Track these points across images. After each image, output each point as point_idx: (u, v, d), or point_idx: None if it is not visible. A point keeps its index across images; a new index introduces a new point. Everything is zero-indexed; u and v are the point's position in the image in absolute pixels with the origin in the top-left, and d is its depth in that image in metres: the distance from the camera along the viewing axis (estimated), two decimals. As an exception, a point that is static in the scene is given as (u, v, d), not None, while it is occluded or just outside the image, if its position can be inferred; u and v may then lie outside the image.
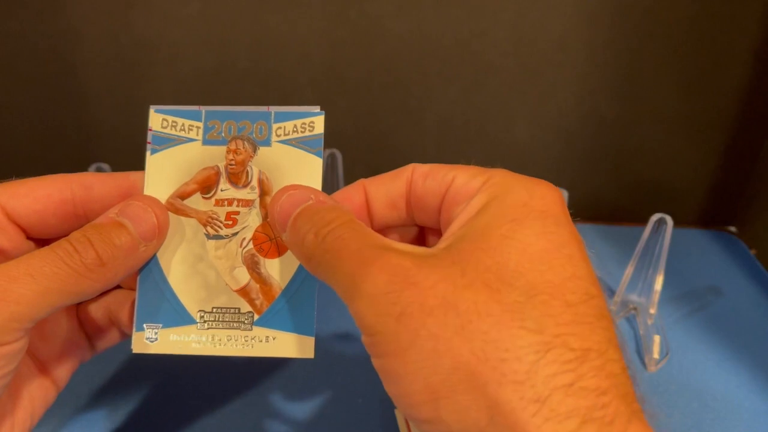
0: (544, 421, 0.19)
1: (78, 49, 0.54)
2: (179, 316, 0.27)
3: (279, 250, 0.28)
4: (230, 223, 0.28)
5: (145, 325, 0.27)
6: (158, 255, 0.27)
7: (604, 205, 0.61)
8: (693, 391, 0.43)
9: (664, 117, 0.56)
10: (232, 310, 0.27)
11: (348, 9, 0.52)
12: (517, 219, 0.22)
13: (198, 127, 0.29)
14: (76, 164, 0.53)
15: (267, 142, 0.29)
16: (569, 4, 0.51)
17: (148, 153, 0.29)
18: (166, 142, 0.29)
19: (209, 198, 0.28)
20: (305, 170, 0.29)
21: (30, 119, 0.58)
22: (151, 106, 0.29)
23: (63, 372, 0.29)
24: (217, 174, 0.28)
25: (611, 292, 0.51)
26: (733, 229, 0.62)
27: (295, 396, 0.39)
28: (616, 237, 0.58)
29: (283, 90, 0.56)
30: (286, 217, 0.26)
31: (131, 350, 0.27)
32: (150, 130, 0.29)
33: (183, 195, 0.28)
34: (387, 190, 0.28)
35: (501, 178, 0.25)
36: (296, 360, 0.41)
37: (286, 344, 0.27)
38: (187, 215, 0.28)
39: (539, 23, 0.52)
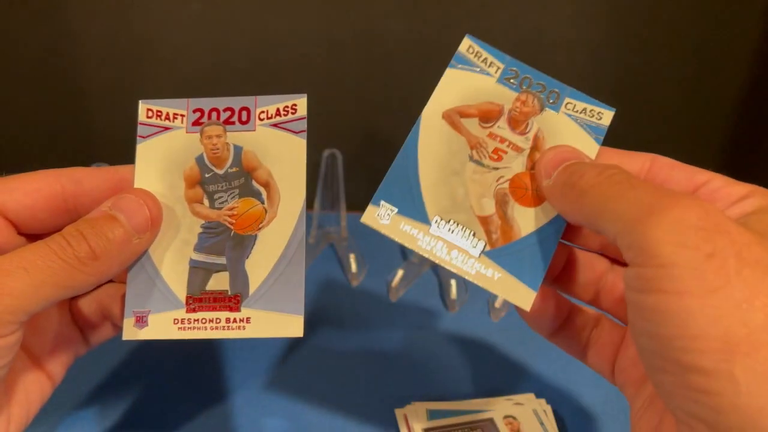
0: None
1: (78, 49, 0.54)
2: None
3: (532, 201, 0.28)
4: (495, 157, 0.28)
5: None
6: (419, 152, 0.29)
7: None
8: (693, 390, 0.43)
9: (664, 117, 0.57)
10: (469, 231, 0.27)
11: (347, 9, 0.52)
12: None
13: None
14: (76, 164, 0.53)
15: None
16: (569, 5, 0.51)
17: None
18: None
19: (486, 128, 0.29)
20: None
21: (30, 119, 0.58)
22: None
23: (58, 366, 0.29)
24: (500, 111, 0.29)
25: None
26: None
27: (296, 395, 0.39)
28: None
29: (283, 90, 0.56)
30: (561, 161, 0.26)
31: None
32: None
33: (463, 114, 0.29)
34: (623, 164, 0.27)
35: (764, 190, 0.24)
36: (296, 359, 0.41)
37: (507, 286, 0.26)
38: (459, 131, 0.28)
39: (539, 23, 0.52)
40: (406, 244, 0.26)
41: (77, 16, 0.52)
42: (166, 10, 0.52)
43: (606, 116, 0.30)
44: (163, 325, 0.27)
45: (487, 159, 0.28)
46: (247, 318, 0.27)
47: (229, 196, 0.29)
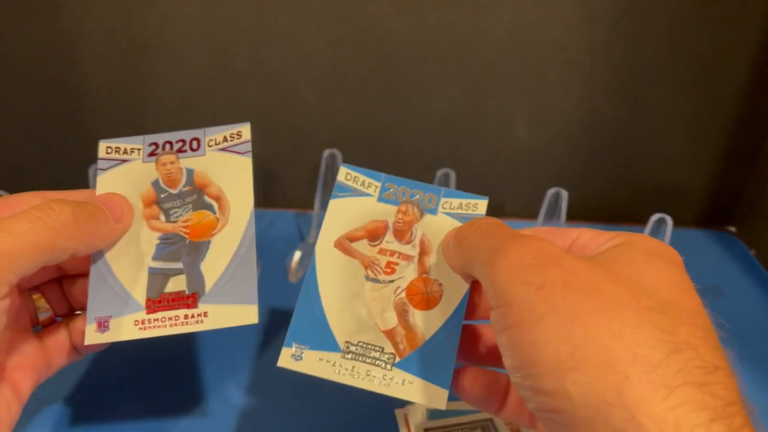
0: (672, 408, 0.19)
1: (78, 49, 0.54)
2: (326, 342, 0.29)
3: (429, 304, 0.30)
4: (389, 270, 0.31)
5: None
6: (319, 284, 0.30)
7: (604, 205, 0.61)
8: (693, 390, 0.43)
9: (664, 117, 0.57)
10: (377, 348, 0.29)
11: (348, 9, 0.52)
12: (651, 254, 0.24)
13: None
14: (76, 164, 0.53)
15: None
16: (569, 4, 0.51)
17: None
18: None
19: (375, 246, 0.31)
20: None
21: (30, 119, 0.58)
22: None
23: (26, 387, 0.30)
24: (386, 227, 0.32)
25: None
26: (732, 229, 0.62)
27: (296, 395, 0.39)
28: (616, 237, 0.58)
29: (283, 90, 0.56)
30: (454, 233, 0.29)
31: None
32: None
33: (352, 238, 0.31)
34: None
35: (628, 234, 0.26)
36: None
37: (420, 391, 0.28)
38: (352, 255, 0.31)
39: (539, 23, 0.52)
40: (325, 376, 0.28)
41: (77, 16, 0.52)
42: (166, 10, 0.52)
43: (481, 206, 0.33)
44: (125, 327, 0.30)
45: (381, 275, 0.31)
46: (204, 312, 0.30)
47: (183, 210, 0.33)
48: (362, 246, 0.31)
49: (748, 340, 0.47)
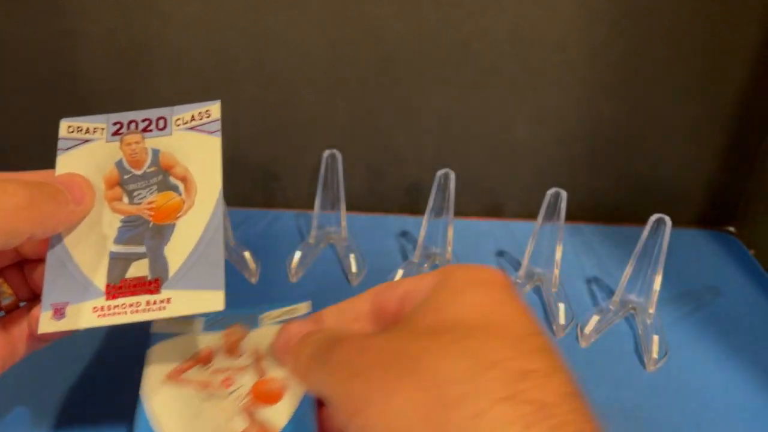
0: None
1: (78, 49, 0.54)
2: None
3: (276, 398, 0.31)
4: (226, 384, 0.32)
5: None
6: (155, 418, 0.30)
7: (603, 205, 0.61)
8: (692, 390, 0.43)
9: (663, 118, 0.57)
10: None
11: (348, 9, 0.52)
12: (462, 287, 0.24)
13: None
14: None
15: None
16: (569, 5, 0.51)
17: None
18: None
19: (207, 369, 0.32)
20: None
21: (30, 119, 0.58)
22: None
23: None
24: (211, 354, 0.33)
25: (610, 292, 0.51)
26: (731, 229, 0.62)
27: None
28: (615, 237, 0.58)
29: (283, 90, 0.56)
30: (285, 346, 0.28)
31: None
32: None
33: (182, 371, 0.32)
34: (354, 309, 0.29)
35: (449, 267, 0.26)
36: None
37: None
38: (188, 383, 0.31)
39: (539, 23, 0.52)
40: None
41: (77, 16, 0.52)
42: (166, 10, 0.52)
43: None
44: (83, 314, 0.28)
45: (221, 389, 0.31)
46: (167, 299, 0.29)
47: (147, 192, 0.31)
48: (196, 371, 0.32)
49: (747, 339, 0.47)
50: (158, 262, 0.30)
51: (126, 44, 0.53)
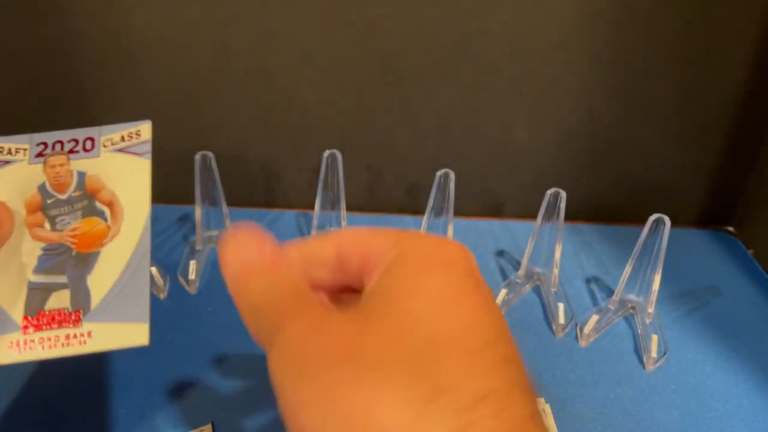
0: None
1: (79, 49, 0.54)
2: None
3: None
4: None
5: None
6: None
7: (603, 205, 0.61)
8: (691, 389, 0.43)
9: (662, 117, 0.57)
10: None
11: (348, 9, 0.52)
12: (423, 271, 0.23)
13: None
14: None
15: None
16: (569, 5, 0.51)
17: None
18: None
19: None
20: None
21: (30, 119, 0.58)
22: None
23: None
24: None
25: (610, 292, 0.51)
26: (730, 228, 0.62)
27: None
28: (615, 237, 0.58)
29: (283, 90, 0.56)
30: (236, 279, 0.26)
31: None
32: None
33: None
34: (317, 253, 0.28)
35: (409, 235, 0.25)
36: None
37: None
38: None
39: (539, 23, 0.52)
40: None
41: (78, 16, 0.52)
42: (166, 10, 0.52)
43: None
44: None
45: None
46: (88, 332, 0.27)
47: (71, 218, 0.30)
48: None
49: (746, 339, 0.47)
50: (80, 292, 0.28)
51: (126, 44, 0.53)
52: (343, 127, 0.57)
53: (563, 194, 0.46)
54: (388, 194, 0.61)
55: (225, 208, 0.52)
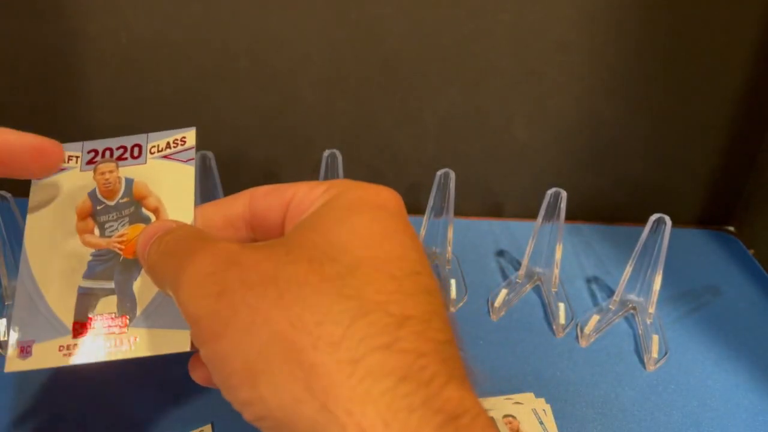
0: (359, 382, 0.18)
1: (79, 49, 0.54)
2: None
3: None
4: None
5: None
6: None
7: (603, 205, 0.61)
8: (692, 389, 0.43)
9: (662, 117, 0.57)
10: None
11: (348, 9, 0.52)
12: (352, 208, 0.23)
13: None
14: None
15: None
16: (569, 5, 0.51)
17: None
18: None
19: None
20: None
21: (31, 119, 0.58)
22: None
23: None
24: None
25: (610, 292, 0.51)
26: (731, 228, 0.62)
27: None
28: (615, 237, 0.58)
29: (283, 90, 0.56)
30: (147, 242, 0.26)
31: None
32: None
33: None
34: (224, 212, 0.28)
35: (341, 182, 0.25)
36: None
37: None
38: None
39: (539, 23, 0.52)
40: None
41: (78, 16, 0.52)
42: (166, 10, 0.52)
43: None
44: (49, 353, 0.27)
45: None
46: (134, 337, 0.28)
47: (119, 224, 0.30)
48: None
49: (747, 339, 0.47)
50: (126, 298, 0.28)
51: (126, 44, 0.53)
52: (343, 127, 0.57)
53: (563, 194, 0.46)
54: (388, 194, 0.61)
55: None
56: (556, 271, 0.49)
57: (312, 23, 0.52)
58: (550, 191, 0.47)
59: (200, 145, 0.51)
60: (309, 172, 0.59)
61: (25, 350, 0.27)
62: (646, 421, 0.40)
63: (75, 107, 0.56)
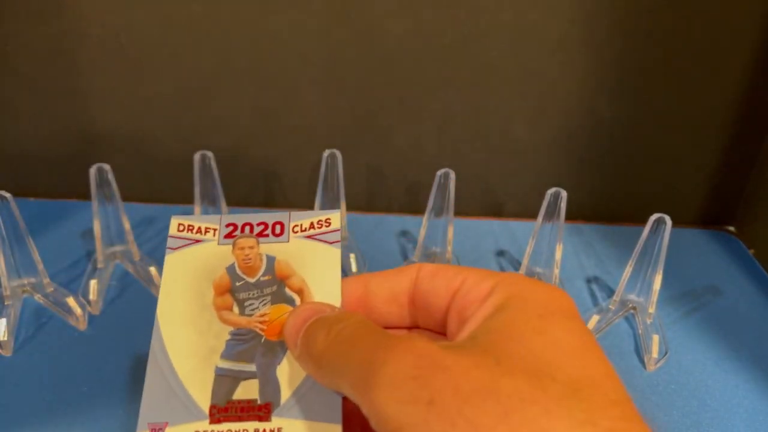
0: None
1: (79, 49, 0.54)
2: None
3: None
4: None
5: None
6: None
7: (604, 205, 0.61)
8: (692, 390, 0.43)
9: (663, 117, 0.57)
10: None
11: (348, 9, 0.52)
12: (543, 316, 0.21)
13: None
14: (77, 164, 0.53)
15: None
16: (569, 4, 0.51)
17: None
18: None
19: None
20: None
21: (31, 119, 0.58)
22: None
23: None
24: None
25: (610, 292, 0.51)
26: (731, 228, 0.62)
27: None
28: (616, 237, 0.58)
29: (283, 90, 0.56)
30: (301, 325, 0.24)
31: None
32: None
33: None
34: (390, 285, 0.26)
35: (515, 278, 0.24)
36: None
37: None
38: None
39: (539, 23, 0.52)
40: None
41: (78, 16, 0.52)
42: (166, 10, 0.52)
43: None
44: None
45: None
46: (278, 428, 0.25)
47: (260, 303, 0.28)
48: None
49: (747, 339, 0.47)
50: (269, 384, 0.26)
51: (126, 44, 0.53)
52: (343, 127, 0.57)
53: (564, 194, 0.46)
54: (388, 194, 0.61)
55: (224, 208, 0.52)
56: (557, 271, 0.49)
57: (312, 23, 0.52)
58: (550, 191, 0.47)
59: (200, 144, 0.51)
60: (309, 172, 0.59)
61: None
62: (646, 420, 0.40)
63: (75, 107, 0.56)
